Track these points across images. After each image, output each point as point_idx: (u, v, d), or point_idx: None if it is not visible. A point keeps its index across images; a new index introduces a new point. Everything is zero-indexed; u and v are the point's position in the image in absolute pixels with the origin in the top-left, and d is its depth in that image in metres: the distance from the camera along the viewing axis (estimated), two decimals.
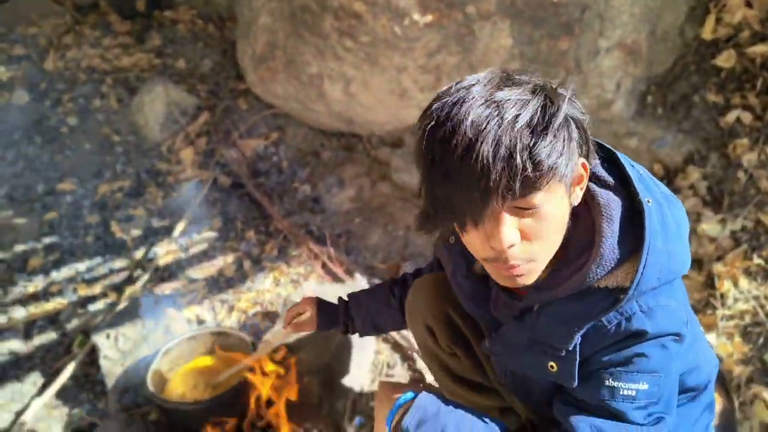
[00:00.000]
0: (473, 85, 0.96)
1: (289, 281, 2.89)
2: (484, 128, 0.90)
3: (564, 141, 0.93)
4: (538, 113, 0.92)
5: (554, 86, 0.99)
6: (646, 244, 1.01)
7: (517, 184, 0.90)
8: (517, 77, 0.98)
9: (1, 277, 2.92)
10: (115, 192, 3.37)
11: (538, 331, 1.15)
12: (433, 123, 0.95)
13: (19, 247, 3.08)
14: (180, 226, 3.15)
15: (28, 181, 3.40)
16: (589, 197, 1.08)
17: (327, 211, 3.25)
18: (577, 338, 1.07)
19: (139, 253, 3.07)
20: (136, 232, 3.17)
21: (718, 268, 2.33)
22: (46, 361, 2.54)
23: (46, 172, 3.44)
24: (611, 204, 1.06)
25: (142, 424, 2.11)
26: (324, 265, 2.91)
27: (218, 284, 2.89)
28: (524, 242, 0.99)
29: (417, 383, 1.35)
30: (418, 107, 3.11)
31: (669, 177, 2.73)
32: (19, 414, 2.32)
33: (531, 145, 0.90)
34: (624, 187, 1.08)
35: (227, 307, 2.77)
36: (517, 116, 0.90)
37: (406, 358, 2.47)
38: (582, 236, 1.07)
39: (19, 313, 2.77)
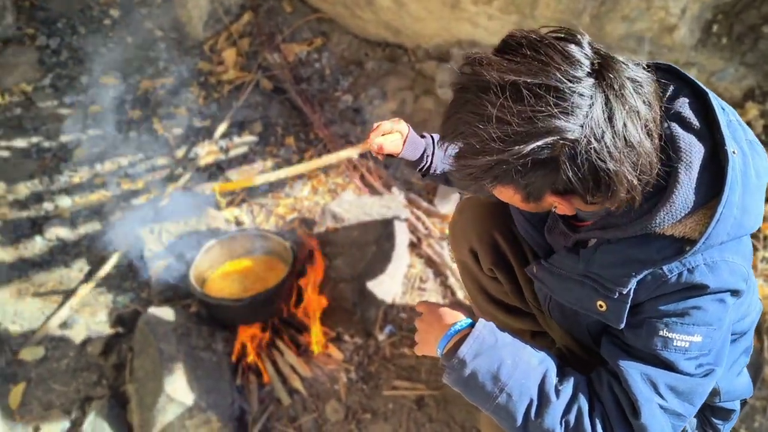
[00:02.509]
0: (516, 63, 0.93)
1: (327, 190, 2.91)
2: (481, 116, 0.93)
3: (482, 174, 0.97)
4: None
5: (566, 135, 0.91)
6: (724, 198, 0.97)
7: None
8: (561, 83, 0.90)
9: (48, 166, 2.99)
10: (157, 89, 3.37)
11: (592, 267, 1.12)
12: (470, 70, 0.98)
13: (65, 137, 3.13)
14: (221, 128, 3.16)
15: (72, 71, 3.41)
16: (669, 139, 1.02)
17: (368, 123, 3.21)
18: (633, 283, 1.05)
19: (180, 152, 3.11)
20: (177, 131, 3.20)
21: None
22: (92, 250, 2.64)
23: (89, 64, 3.44)
24: (693, 149, 1.00)
25: (184, 315, 2.21)
26: (362, 177, 2.92)
27: (257, 188, 2.93)
28: None
29: (459, 305, 1.33)
30: (470, 21, 3.00)
31: None
32: (66, 297, 2.43)
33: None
34: (710, 131, 1.03)
35: (266, 212, 2.81)
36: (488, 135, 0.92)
37: (439, 274, 2.51)
38: (655, 178, 1.00)
39: (65, 202, 2.85)
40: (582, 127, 0.89)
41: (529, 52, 0.93)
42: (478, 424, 1.98)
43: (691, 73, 2.68)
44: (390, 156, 1.52)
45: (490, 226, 1.52)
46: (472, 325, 1.21)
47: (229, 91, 3.35)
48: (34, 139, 3.12)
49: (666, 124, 1.02)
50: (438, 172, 1.59)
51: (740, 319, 1.20)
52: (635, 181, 0.94)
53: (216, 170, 3.02)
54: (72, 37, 3.54)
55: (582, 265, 1.14)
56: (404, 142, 1.52)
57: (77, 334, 2.30)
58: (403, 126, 1.52)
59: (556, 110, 0.89)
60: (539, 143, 0.89)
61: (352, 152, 2.03)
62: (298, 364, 2.22)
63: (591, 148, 0.90)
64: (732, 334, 1.24)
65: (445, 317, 1.25)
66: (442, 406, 2.09)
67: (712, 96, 1.05)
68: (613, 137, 0.90)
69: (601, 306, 1.12)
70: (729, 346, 1.16)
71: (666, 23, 2.68)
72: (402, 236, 2.54)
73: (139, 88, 3.37)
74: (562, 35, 0.95)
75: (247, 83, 3.35)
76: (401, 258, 2.52)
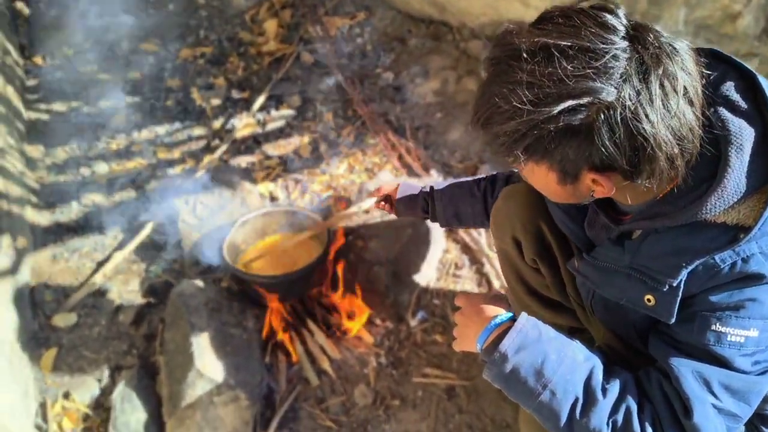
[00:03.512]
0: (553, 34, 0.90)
1: (364, 169, 2.86)
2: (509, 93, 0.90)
3: (513, 143, 0.94)
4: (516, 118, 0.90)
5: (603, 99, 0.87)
6: None
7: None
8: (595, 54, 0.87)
9: (86, 131, 2.98)
10: (197, 58, 3.34)
11: (639, 259, 1.07)
12: (502, 42, 0.96)
13: (104, 104, 3.12)
14: (259, 100, 3.11)
15: (113, 36, 3.39)
16: (718, 123, 0.97)
17: (408, 102, 3.14)
18: (684, 274, 0.99)
19: (217, 123, 3.08)
20: (215, 102, 3.16)
21: None
22: (127, 218, 2.63)
23: (130, 30, 3.42)
24: (743, 132, 0.95)
25: (215, 290, 2.19)
26: (400, 158, 2.86)
27: (293, 163, 2.89)
28: None
29: (499, 297, 1.28)
30: (521, 1, 2.89)
31: None
32: (100, 264, 2.44)
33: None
34: (760, 113, 0.97)
35: (301, 188, 2.77)
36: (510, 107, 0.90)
37: (475, 261, 2.45)
38: (704, 163, 0.97)
39: (102, 168, 2.85)
40: (616, 89, 0.86)
41: (561, 20, 0.91)
42: (517, 422, 1.93)
43: (753, 64, 2.56)
44: (392, 205, 1.74)
45: (536, 215, 1.46)
46: (513, 319, 1.17)
47: (269, 63, 3.30)
48: (74, 104, 3.11)
49: (713, 109, 0.98)
50: (447, 213, 1.68)
51: None
52: (676, 149, 0.90)
53: (253, 143, 2.99)
54: (113, 2, 3.51)
55: (628, 256, 1.09)
56: (395, 197, 1.72)
57: (109, 302, 2.31)
58: (391, 188, 1.76)
59: (588, 71, 0.86)
60: (572, 103, 0.86)
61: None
62: (328, 345, 2.19)
63: (626, 109, 0.86)
64: None
65: (486, 311, 1.21)
66: (473, 398, 2.04)
67: (760, 78, 0.99)
68: (650, 98, 0.86)
69: (649, 300, 1.06)
70: None
71: (729, 10, 2.54)
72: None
73: (178, 57, 3.34)
74: (597, 6, 0.92)
75: (287, 56, 3.29)
76: (437, 242, 2.46)
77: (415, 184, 1.76)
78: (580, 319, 1.51)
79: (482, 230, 2.50)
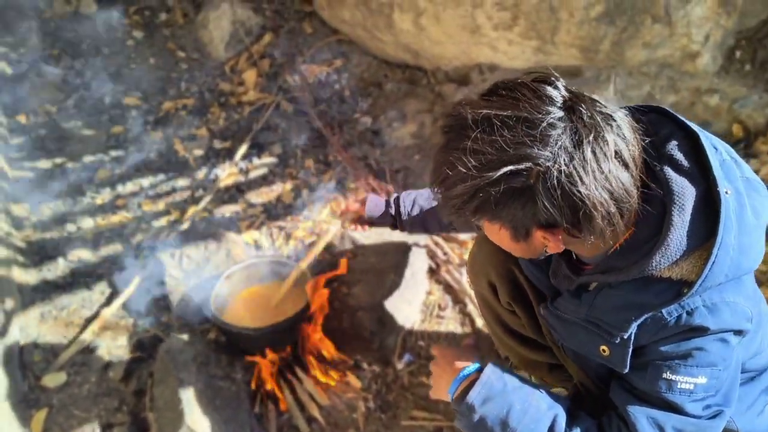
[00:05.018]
0: (490, 103, 0.99)
1: None
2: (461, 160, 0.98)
3: (463, 205, 1.01)
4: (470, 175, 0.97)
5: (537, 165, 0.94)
6: (718, 240, 0.97)
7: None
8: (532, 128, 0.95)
9: (71, 187, 3.03)
10: (179, 109, 3.41)
11: (593, 312, 1.14)
12: (454, 113, 1.03)
13: (88, 158, 3.17)
14: (242, 149, 3.18)
15: (95, 92, 3.46)
16: (663, 182, 1.03)
17: (387, 145, 3.23)
18: (633, 327, 1.06)
19: (201, 173, 3.13)
20: (198, 152, 3.23)
21: None
22: (113, 273, 2.66)
23: (112, 85, 3.49)
24: (685, 192, 1.01)
25: (203, 343, 2.22)
26: None
27: (276, 210, 2.95)
28: None
29: (472, 349, 1.35)
30: (490, 46, 3.00)
31: (749, 140, 2.61)
32: (88, 321, 2.46)
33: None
34: (702, 172, 1.03)
35: (285, 235, 2.82)
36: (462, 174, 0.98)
37: (458, 301, 2.51)
38: (651, 221, 1.03)
39: (88, 223, 2.89)
40: (552, 154, 0.93)
41: (504, 92, 0.99)
42: None
43: (714, 100, 2.68)
44: (362, 220, 1.81)
45: (507, 259, 1.53)
46: (480, 370, 1.23)
47: (250, 113, 3.38)
48: (58, 160, 3.16)
49: (659, 167, 1.04)
50: (413, 214, 1.73)
51: (753, 356, 1.21)
52: (612, 208, 0.96)
53: (236, 192, 3.05)
54: (96, 57, 3.59)
55: (584, 309, 1.16)
56: (363, 205, 1.78)
57: (98, 359, 2.33)
58: (358, 199, 1.84)
59: (526, 139, 0.93)
60: (511, 168, 0.93)
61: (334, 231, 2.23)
62: (317, 392, 2.22)
63: (561, 173, 0.92)
64: (747, 372, 1.24)
65: (456, 362, 1.29)
66: None
67: (703, 136, 1.06)
68: (582, 163, 0.93)
69: (604, 350, 1.13)
70: (740, 386, 1.15)
71: (688, 50, 2.67)
72: (421, 262, 2.54)
73: (161, 109, 3.41)
74: (538, 78, 1.01)
75: (267, 105, 3.38)
76: (420, 284, 2.51)
77: (380, 200, 1.80)
78: (557, 356, 1.57)
79: (463, 270, 2.57)
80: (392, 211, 1.75)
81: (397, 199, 1.75)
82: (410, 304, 2.45)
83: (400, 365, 2.31)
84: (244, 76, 3.53)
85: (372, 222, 1.80)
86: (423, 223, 1.73)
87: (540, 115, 0.94)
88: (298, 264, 2.26)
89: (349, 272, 2.45)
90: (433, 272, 2.60)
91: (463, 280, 2.54)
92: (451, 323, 2.44)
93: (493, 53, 3.04)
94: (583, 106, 0.96)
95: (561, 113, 0.95)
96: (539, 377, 1.72)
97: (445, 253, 2.64)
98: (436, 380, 1.33)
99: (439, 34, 3.08)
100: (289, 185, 3.08)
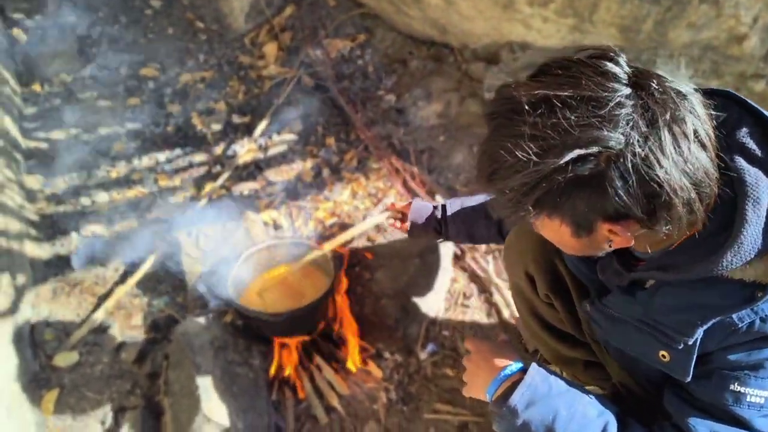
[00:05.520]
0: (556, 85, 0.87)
1: (367, 195, 2.82)
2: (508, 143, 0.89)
3: (522, 198, 0.91)
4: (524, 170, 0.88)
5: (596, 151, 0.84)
6: None
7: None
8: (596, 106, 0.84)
9: (85, 160, 2.94)
10: (197, 82, 3.30)
11: (651, 313, 1.04)
12: (500, 96, 0.94)
13: (103, 130, 3.08)
14: (261, 125, 3.08)
15: (111, 62, 3.35)
16: (735, 172, 0.93)
17: (411, 125, 3.10)
18: (700, 332, 0.97)
19: (218, 149, 3.04)
20: (216, 127, 3.12)
21: None
22: (128, 249, 2.58)
23: (129, 55, 3.38)
24: (760, 184, 0.92)
25: (220, 326, 2.14)
26: (405, 183, 2.82)
27: (296, 190, 2.85)
28: None
29: (510, 346, 1.25)
30: (523, 23, 2.86)
31: None
32: (101, 299, 2.39)
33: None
34: None
35: (304, 215, 2.73)
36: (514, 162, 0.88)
37: (483, 290, 2.41)
38: (718, 215, 0.94)
39: (102, 197, 2.81)
40: (624, 135, 0.82)
41: (560, 71, 0.89)
42: None
43: (760, 86, 2.53)
44: (404, 218, 1.77)
45: (549, 250, 1.44)
46: (523, 370, 1.15)
47: (270, 87, 3.27)
48: (73, 131, 3.07)
49: (730, 156, 0.94)
50: (458, 217, 1.68)
51: None
52: (693, 194, 0.86)
53: (255, 169, 2.95)
54: (113, 26, 3.48)
55: (640, 308, 1.06)
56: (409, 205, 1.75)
57: (111, 339, 2.26)
58: (404, 206, 1.80)
59: (593, 120, 0.83)
60: (579, 153, 0.83)
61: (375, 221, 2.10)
62: (336, 380, 2.14)
63: (636, 156, 0.82)
64: None
65: (495, 359, 1.19)
66: None
67: None
68: (660, 144, 0.83)
69: (663, 356, 1.04)
70: None
71: (735, 32, 2.51)
72: (446, 248, 2.44)
73: (179, 81, 3.30)
74: (596, 54, 0.90)
75: (288, 80, 3.26)
76: (445, 271, 2.41)
77: (426, 203, 1.75)
78: (595, 354, 1.48)
79: (490, 258, 2.46)
80: (438, 213, 1.70)
81: (444, 215, 1.70)
82: (435, 292, 2.35)
83: (423, 355, 2.22)
84: (265, 49, 3.41)
85: (414, 228, 1.74)
86: (469, 230, 1.67)
87: (606, 93, 0.84)
88: (322, 247, 2.16)
89: (372, 256, 2.36)
90: (458, 258, 2.50)
91: (490, 268, 2.43)
92: (476, 313, 2.34)
93: (526, 31, 2.89)
94: (653, 81, 0.86)
95: (628, 90, 0.85)
96: (572, 374, 1.63)
97: None
98: (472, 378, 1.25)
99: (470, 9, 2.94)
100: (309, 163, 2.97)
